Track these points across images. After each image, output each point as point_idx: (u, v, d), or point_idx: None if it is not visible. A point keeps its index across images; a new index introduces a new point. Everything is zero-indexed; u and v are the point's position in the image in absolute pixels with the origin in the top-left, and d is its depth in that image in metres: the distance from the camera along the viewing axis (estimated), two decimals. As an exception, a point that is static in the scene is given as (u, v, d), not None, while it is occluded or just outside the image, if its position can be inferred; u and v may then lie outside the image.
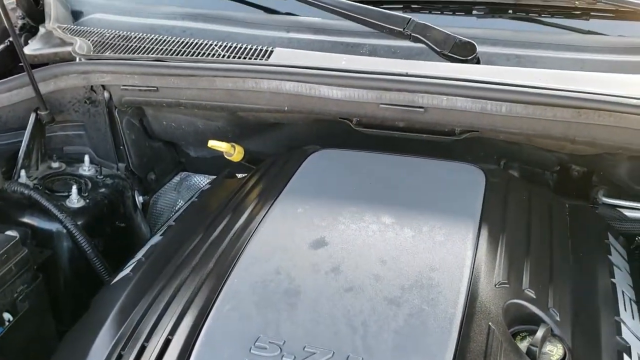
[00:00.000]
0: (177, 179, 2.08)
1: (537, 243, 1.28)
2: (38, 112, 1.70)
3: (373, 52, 1.68)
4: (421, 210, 1.29)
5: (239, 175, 1.70)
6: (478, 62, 1.59)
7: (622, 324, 1.18)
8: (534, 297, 1.13)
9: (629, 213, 1.61)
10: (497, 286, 1.12)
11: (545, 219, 1.38)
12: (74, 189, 1.60)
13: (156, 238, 1.44)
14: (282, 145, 1.80)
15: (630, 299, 1.29)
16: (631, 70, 1.51)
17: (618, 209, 1.62)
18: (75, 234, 1.51)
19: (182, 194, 2.07)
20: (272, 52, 1.63)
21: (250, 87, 1.55)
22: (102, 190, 1.68)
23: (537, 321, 1.09)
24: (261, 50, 1.65)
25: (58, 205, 1.53)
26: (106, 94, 1.71)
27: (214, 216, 1.39)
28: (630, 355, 1.12)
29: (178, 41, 1.72)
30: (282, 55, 1.61)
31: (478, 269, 1.13)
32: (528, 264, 1.20)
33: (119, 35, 1.80)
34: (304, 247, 1.18)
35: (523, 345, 1.05)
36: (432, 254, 1.16)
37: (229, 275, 1.13)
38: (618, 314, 1.20)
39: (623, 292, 1.28)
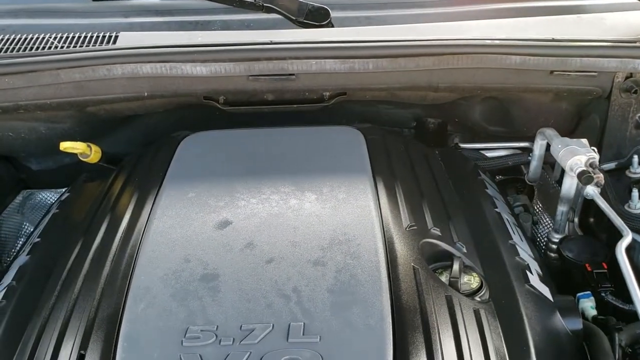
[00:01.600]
0: (19, 198, 1.83)
1: (427, 187, 1.33)
2: None
3: (226, 27, 1.62)
4: (315, 174, 1.27)
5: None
6: (332, 27, 1.60)
7: (516, 246, 1.26)
8: (440, 234, 1.16)
9: (487, 153, 1.74)
10: (407, 229, 1.13)
11: (425, 165, 1.44)
12: None
13: (22, 259, 1.26)
14: (140, 142, 1.66)
15: (514, 224, 1.38)
16: (474, 17, 1.62)
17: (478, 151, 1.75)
18: None
19: (27, 215, 1.83)
20: (117, 37, 1.49)
21: (102, 76, 1.40)
22: None
23: (447, 257, 1.13)
24: (104, 36, 1.49)
25: None
26: None
27: (88, 221, 1.24)
28: (530, 272, 1.21)
29: (3, 39, 1.50)
30: (129, 39, 1.48)
31: (386, 217, 1.14)
32: (426, 206, 1.24)
33: None
34: (208, 230, 1.10)
35: (444, 280, 1.07)
36: (340, 211, 1.14)
37: (132, 275, 1.01)
38: (511, 238, 1.28)
39: (507, 219, 1.37)
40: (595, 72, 1.45)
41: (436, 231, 1.17)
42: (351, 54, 1.42)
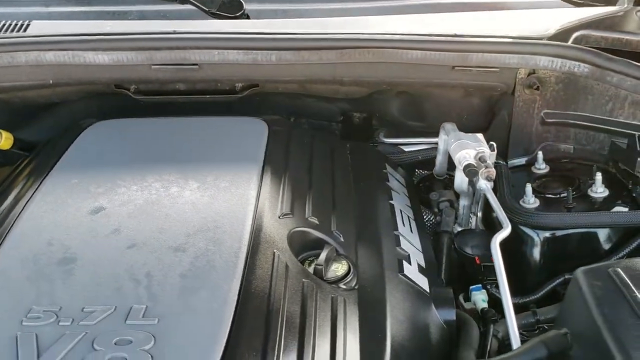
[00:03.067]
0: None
1: (319, 179, 1.34)
2: None
3: (142, 17, 1.64)
4: (205, 163, 1.28)
5: None
6: (248, 19, 1.61)
7: (400, 237, 1.28)
8: (317, 223, 1.18)
9: (406, 148, 1.75)
10: (281, 217, 1.15)
11: (326, 157, 1.45)
12: None
13: None
14: (60, 130, 1.68)
15: (408, 217, 1.40)
16: (385, 12, 1.64)
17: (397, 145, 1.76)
18: None
19: None
20: (28, 25, 1.51)
21: (6, 63, 1.42)
22: None
23: (320, 245, 1.14)
24: (16, 24, 1.52)
25: None
26: None
27: None
28: (410, 262, 1.23)
29: None
30: (40, 28, 1.50)
31: (262, 206, 1.15)
32: (311, 197, 1.25)
33: None
34: (80, 215, 1.12)
35: (311, 268, 1.09)
36: (217, 200, 1.16)
37: None
38: (397, 229, 1.30)
39: (401, 211, 1.39)
40: (496, 67, 1.46)
41: (313, 220, 1.18)
42: (254, 45, 1.44)
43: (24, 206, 1.15)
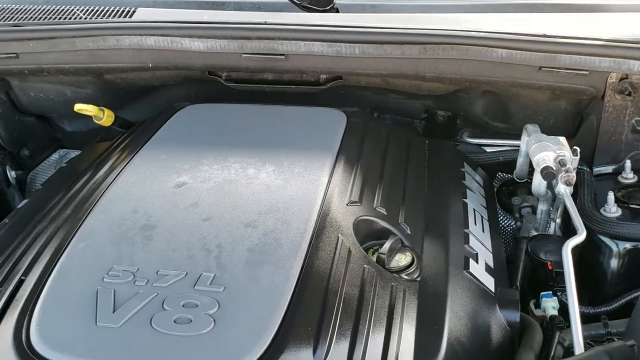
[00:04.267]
0: (55, 156, 2.02)
1: (391, 171, 1.36)
2: None
3: (238, 8, 1.72)
4: (283, 149, 1.34)
5: None
6: (337, 12, 1.65)
7: (470, 235, 1.27)
8: (385, 213, 1.20)
9: (489, 149, 1.73)
10: (348, 205, 1.18)
11: (402, 151, 1.47)
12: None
13: (22, 202, 1.42)
14: (157, 111, 1.80)
15: (482, 217, 1.39)
16: (476, 10, 1.62)
17: (480, 146, 1.74)
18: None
19: (61, 172, 2.02)
20: (134, 11, 1.63)
21: (111, 45, 1.55)
22: (-30, 165, 1.63)
23: (388, 235, 1.16)
24: (123, 10, 1.64)
25: None
26: None
27: (78, 174, 1.38)
28: (477, 261, 1.22)
29: (36, 9, 1.68)
30: (144, 14, 1.62)
31: (331, 192, 1.19)
32: (380, 187, 1.28)
33: None
34: (165, 188, 1.20)
35: (374, 257, 1.12)
36: (290, 183, 1.21)
37: (85, 219, 1.13)
38: (467, 227, 1.29)
39: (474, 210, 1.38)
40: (586, 70, 1.42)
41: (381, 210, 1.21)
42: (338, 37, 1.47)
43: (116, 177, 1.25)
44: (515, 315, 1.14)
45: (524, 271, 1.39)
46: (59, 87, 1.75)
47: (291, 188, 1.20)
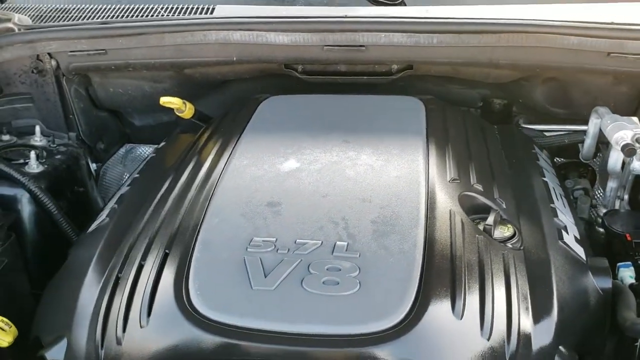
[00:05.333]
0: (122, 151, 2.11)
1: (477, 151, 1.45)
2: (-17, 86, 1.70)
3: (307, 4, 1.80)
4: (375, 133, 1.43)
5: None
6: (404, 5, 1.74)
7: (557, 210, 1.36)
8: (482, 190, 1.29)
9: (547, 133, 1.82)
10: (450, 182, 1.27)
11: (479, 134, 1.56)
12: (33, 155, 1.61)
13: (123, 189, 1.50)
14: (228, 106, 1.88)
15: (559, 194, 1.48)
16: (541, 1, 1.71)
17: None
18: (40, 196, 1.53)
19: (128, 166, 2.09)
20: (214, 9, 1.72)
21: (198, 40, 1.63)
22: (58, 157, 1.70)
23: (487, 210, 1.25)
24: (203, 8, 1.73)
25: (20, 170, 1.54)
26: (53, 62, 1.72)
27: (179, 162, 1.46)
28: (567, 232, 1.31)
29: (119, 8, 1.76)
30: (224, 11, 1.70)
31: (432, 171, 1.28)
32: (472, 166, 1.36)
33: (56, 9, 1.82)
34: (276, 170, 1.29)
35: (480, 228, 1.20)
36: (391, 163, 1.30)
37: (211, 199, 1.21)
38: (553, 203, 1.38)
39: (553, 188, 1.47)
40: None
41: (478, 187, 1.29)
42: (417, 28, 1.56)
43: (226, 163, 1.33)
44: (608, 282, 1.23)
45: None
46: (138, 82, 1.84)
47: (393, 167, 1.29)
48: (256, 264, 1.03)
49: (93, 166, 1.87)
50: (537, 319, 1.05)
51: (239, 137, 1.43)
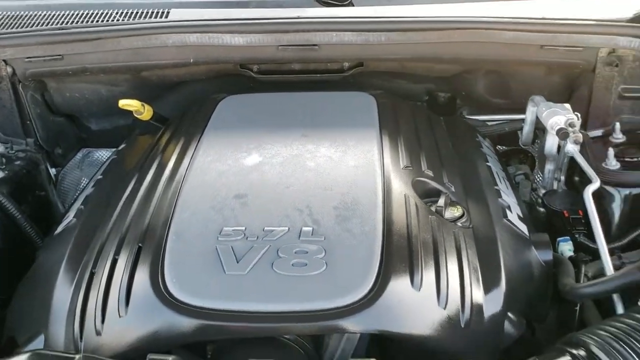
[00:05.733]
0: (79, 155, 2.12)
1: (426, 141, 1.55)
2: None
3: (261, 6, 1.87)
4: (331, 127, 1.51)
5: None
6: (352, 5, 1.83)
7: (500, 191, 1.48)
8: (432, 175, 1.39)
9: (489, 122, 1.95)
10: (403, 169, 1.36)
11: (427, 125, 1.67)
12: (-9, 161, 1.62)
13: (88, 190, 1.53)
14: (186, 105, 1.93)
15: (502, 177, 1.60)
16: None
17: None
18: (3, 202, 1.55)
19: (85, 171, 2.11)
20: (168, 12, 1.76)
21: (156, 44, 1.68)
22: (18, 162, 1.72)
23: (437, 194, 1.35)
24: (158, 12, 1.77)
25: (-20, 177, 1.56)
26: (9, 69, 1.73)
27: (142, 162, 1.51)
28: (511, 211, 1.43)
29: (75, 14, 1.79)
30: (179, 14, 1.75)
31: (386, 160, 1.37)
32: (423, 155, 1.47)
33: (8, 16, 1.83)
34: (240, 164, 1.36)
35: (432, 209, 1.30)
36: (348, 154, 1.39)
37: (179, 194, 1.27)
38: (497, 185, 1.50)
39: (497, 172, 1.59)
40: (581, 47, 1.65)
41: (429, 173, 1.40)
42: (367, 27, 1.66)
43: (190, 160, 1.39)
44: (549, 254, 1.35)
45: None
46: (94, 86, 1.86)
47: (350, 158, 1.37)
48: (228, 251, 1.10)
49: (52, 171, 1.89)
50: (487, 289, 1.16)
51: (201, 135, 1.49)
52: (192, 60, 1.71)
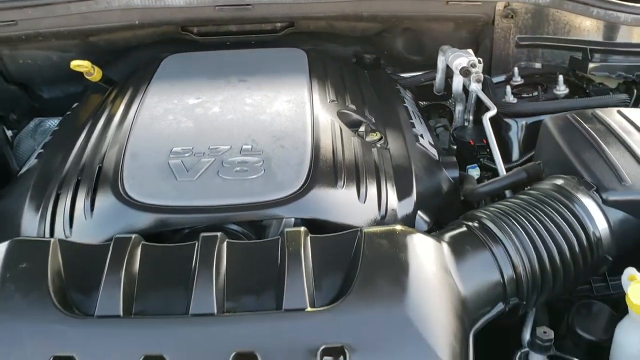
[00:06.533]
0: (31, 125, 2.24)
1: (350, 83, 1.78)
2: None
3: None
4: (266, 74, 1.71)
5: None
6: None
7: (414, 124, 1.71)
8: (355, 109, 1.61)
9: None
10: (329, 102, 1.58)
11: (352, 73, 1.89)
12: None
13: (47, 139, 1.68)
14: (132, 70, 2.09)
15: (417, 114, 1.84)
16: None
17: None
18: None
19: (38, 139, 2.23)
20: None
21: (102, 8, 1.84)
22: (-26, 122, 1.84)
23: (359, 123, 1.57)
24: (104, -23, 1.93)
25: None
26: None
27: (96, 110, 1.67)
28: (423, 138, 1.66)
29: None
30: (126, -20, 1.91)
31: (315, 95, 1.58)
32: (347, 93, 1.69)
33: None
34: (185, 102, 1.54)
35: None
36: (282, 92, 1.59)
37: (132, 127, 1.45)
38: (411, 119, 1.73)
39: (412, 111, 1.83)
40: (480, 1, 1.91)
41: (352, 106, 1.62)
42: None
43: (139, 103, 1.56)
44: (456, 172, 1.59)
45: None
46: (46, 53, 2.00)
47: (284, 95, 1.57)
48: (179, 165, 1.29)
49: (9, 132, 2.01)
50: (400, 195, 1.37)
51: (148, 84, 1.67)
52: (137, 22, 1.88)
